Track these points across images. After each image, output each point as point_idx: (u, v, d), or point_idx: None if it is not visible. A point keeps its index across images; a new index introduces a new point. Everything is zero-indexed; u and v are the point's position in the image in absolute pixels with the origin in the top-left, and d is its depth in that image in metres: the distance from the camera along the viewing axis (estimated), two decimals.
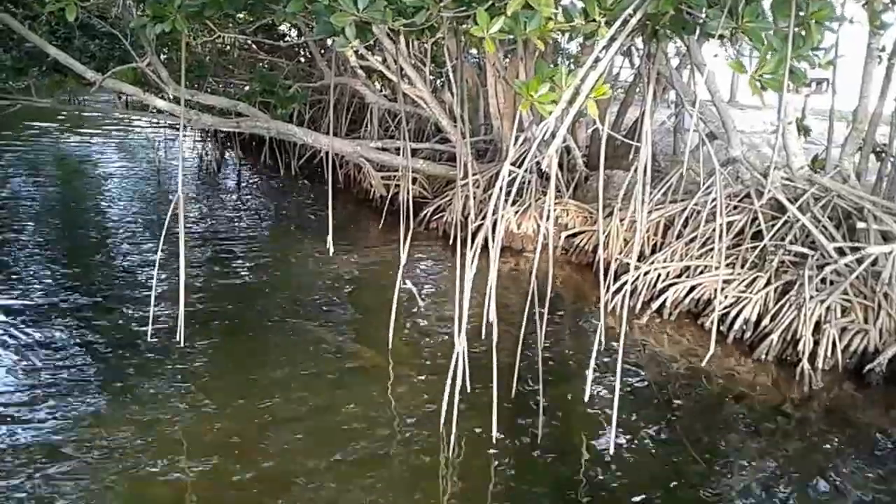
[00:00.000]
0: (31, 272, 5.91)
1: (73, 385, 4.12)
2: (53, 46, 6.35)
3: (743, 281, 5.38)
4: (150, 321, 4.49)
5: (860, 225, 5.23)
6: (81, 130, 13.43)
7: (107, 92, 8.17)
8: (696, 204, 6.09)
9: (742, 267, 5.53)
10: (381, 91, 9.51)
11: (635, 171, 5.19)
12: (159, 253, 4.70)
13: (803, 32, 3.22)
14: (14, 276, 5.75)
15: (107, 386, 4.15)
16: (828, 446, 4.04)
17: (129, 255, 6.56)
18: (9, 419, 3.75)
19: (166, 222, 4.31)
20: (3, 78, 6.92)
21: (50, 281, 5.75)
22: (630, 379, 4.61)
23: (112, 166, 10.98)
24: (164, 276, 5.45)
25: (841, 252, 5.14)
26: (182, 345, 4.39)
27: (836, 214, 5.50)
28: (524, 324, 3.97)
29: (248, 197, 9.72)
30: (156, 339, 4.58)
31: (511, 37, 3.16)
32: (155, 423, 3.79)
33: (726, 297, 5.31)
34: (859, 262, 4.98)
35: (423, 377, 4.49)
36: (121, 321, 5.01)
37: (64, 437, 3.62)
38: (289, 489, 3.33)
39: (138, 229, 7.40)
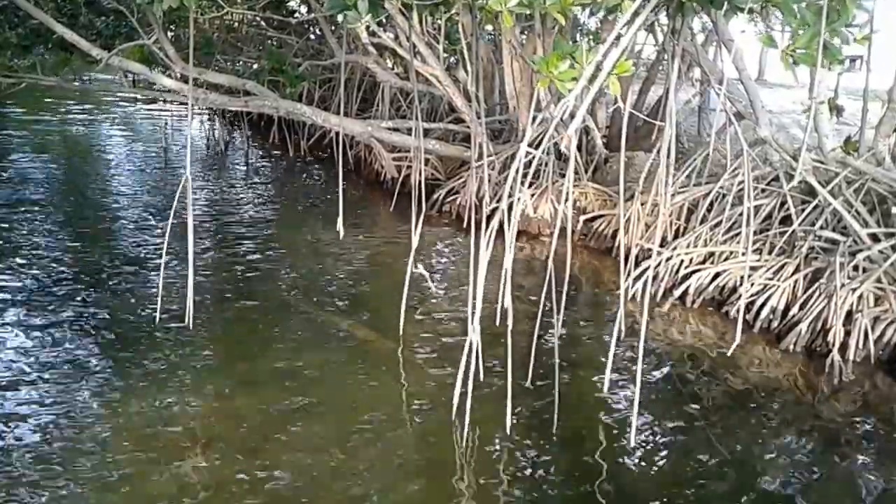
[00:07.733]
0: (37, 254, 5.80)
1: (79, 369, 4.03)
2: (59, 23, 6.25)
3: (770, 268, 5.17)
4: (159, 305, 4.41)
5: (895, 210, 5.00)
6: (86, 109, 13.32)
7: (113, 70, 8.03)
8: (721, 187, 5.86)
9: (770, 253, 5.31)
10: (393, 69, 9.30)
11: (658, 152, 4.99)
12: (167, 235, 4.59)
13: (837, 7, 3.04)
14: (19, 259, 5.65)
15: (114, 370, 4.06)
16: (857, 441, 3.87)
17: (136, 237, 6.45)
18: (16, 401, 3.67)
19: (174, 204, 4.23)
20: (8, 55, 6.83)
21: (56, 263, 5.64)
22: (651, 368, 4.45)
23: (117, 146, 10.87)
24: (172, 259, 5.35)
25: (874, 238, 4.94)
26: (191, 328, 4.32)
27: (869, 199, 5.27)
28: (540, 310, 3.85)
29: (257, 178, 9.59)
30: (164, 324, 4.50)
31: (529, 11, 2.99)
32: (163, 407, 3.70)
33: (753, 284, 5.09)
34: (894, 248, 4.78)
35: (435, 364, 4.36)
36: (129, 305, 4.91)
37: (70, 420, 3.54)
38: (298, 476, 3.24)
39: (145, 211, 7.28)
